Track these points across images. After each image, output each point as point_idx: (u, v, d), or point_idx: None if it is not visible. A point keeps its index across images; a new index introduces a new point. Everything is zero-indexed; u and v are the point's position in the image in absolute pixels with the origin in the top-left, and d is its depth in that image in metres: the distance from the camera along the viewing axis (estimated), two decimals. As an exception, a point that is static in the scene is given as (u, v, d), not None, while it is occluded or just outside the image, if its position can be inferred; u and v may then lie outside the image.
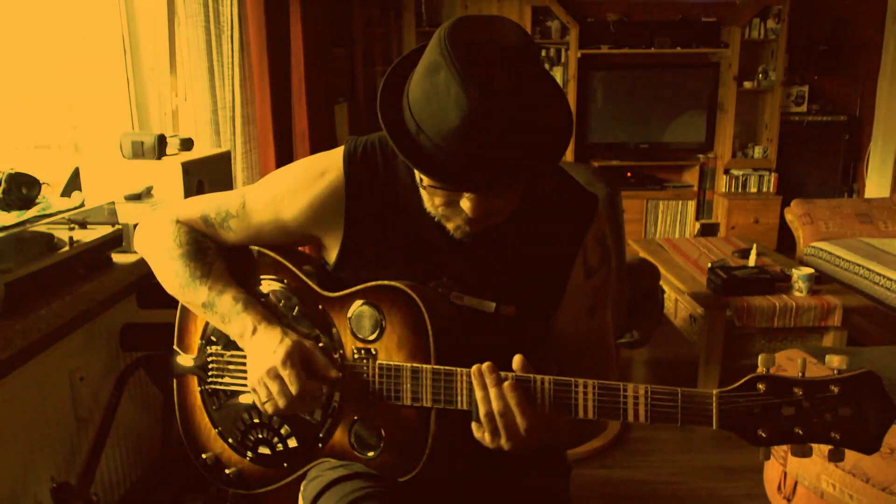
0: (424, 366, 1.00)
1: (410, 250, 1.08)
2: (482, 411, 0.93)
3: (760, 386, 0.89)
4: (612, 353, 1.17)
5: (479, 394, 0.94)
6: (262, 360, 1.03)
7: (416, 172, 1.00)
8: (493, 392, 0.93)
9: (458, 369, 0.98)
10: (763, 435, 0.88)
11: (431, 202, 1.01)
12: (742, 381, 0.89)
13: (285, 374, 1.00)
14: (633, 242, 3.90)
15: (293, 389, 1.00)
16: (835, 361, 0.87)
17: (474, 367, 0.95)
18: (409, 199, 1.07)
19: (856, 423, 0.86)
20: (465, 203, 0.95)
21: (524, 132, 0.89)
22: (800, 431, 0.87)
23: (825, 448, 0.87)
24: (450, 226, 1.02)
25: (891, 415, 0.85)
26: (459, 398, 0.98)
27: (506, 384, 0.93)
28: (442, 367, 0.99)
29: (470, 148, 0.87)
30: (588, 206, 1.10)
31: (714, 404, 0.89)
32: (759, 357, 0.90)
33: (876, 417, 0.85)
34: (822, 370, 0.90)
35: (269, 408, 1.03)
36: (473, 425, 0.96)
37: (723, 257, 3.45)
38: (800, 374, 0.88)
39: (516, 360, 0.95)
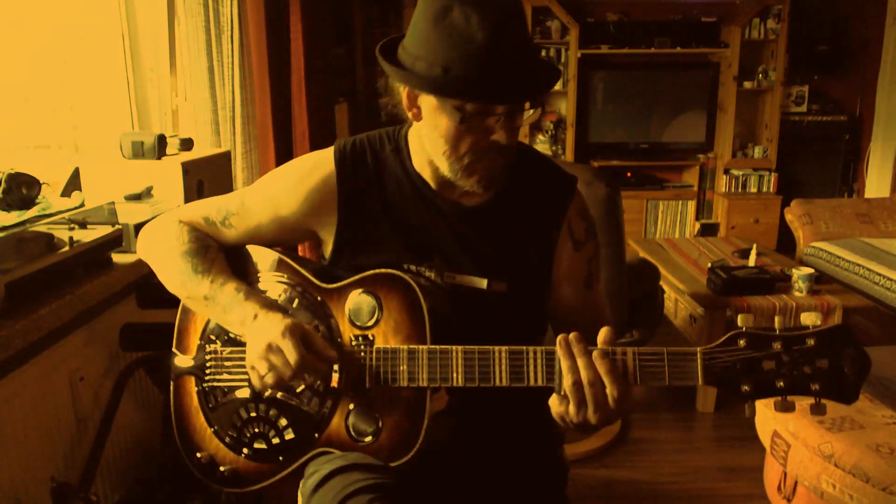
0: (420, 346, 1.02)
1: (402, 236, 1.12)
2: (568, 381, 0.94)
3: (741, 342, 0.93)
4: (611, 320, 1.20)
5: (565, 364, 0.95)
6: (261, 338, 1.04)
7: (411, 156, 1.09)
8: (581, 361, 0.94)
9: (453, 347, 1.01)
10: (747, 389, 0.92)
11: (457, 154, 1.03)
12: (724, 337, 0.94)
13: (285, 344, 1.02)
14: (633, 242, 3.90)
15: (292, 359, 1.01)
16: (810, 318, 0.92)
17: (560, 337, 0.96)
18: (399, 187, 1.12)
19: (833, 373, 0.90)
20: (500, 132, 1.00)
21: (531, 43, 1.02)
22: (781, 384, 0.91)
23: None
24: (472, 181, 1.05)
25: (866, 365, 0.90)
26: (454, 375, 1.01)
27: (595, 353, 0.94)
28: (437, 347, 1.02)
29: (503, 59, 0.95)
30: (566, 186, 1.17)
31: (699, 361, 0.93)
32: (739, 316, 0.94)
33: (852, 368, 0.90)
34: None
35: (268, 380, 1.04)
36: (554, 399, 0.97)
37: (723, 257, 3.45)
38: (777, 331, 0.93)
39: (602, 333, 0.96)
